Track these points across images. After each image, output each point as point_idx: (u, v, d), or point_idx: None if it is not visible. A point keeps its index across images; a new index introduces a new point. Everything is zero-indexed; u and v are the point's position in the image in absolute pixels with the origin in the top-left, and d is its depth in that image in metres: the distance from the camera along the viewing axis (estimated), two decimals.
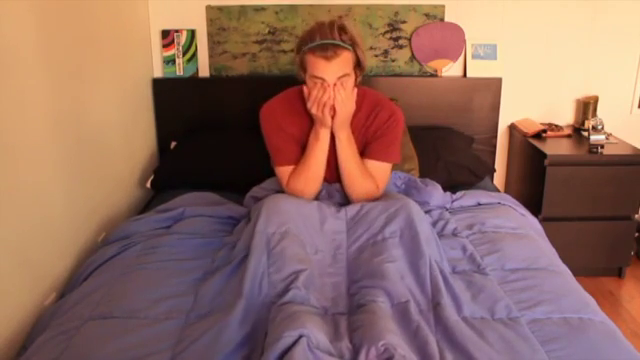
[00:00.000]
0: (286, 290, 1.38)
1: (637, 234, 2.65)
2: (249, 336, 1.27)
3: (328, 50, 1.65)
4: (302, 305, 1.33)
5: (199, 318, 1.36)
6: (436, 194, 1.97)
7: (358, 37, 1.74)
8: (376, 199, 1.82)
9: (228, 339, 1.23)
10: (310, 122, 1.83)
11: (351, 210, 1.73)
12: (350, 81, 1.73)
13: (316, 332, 1.18)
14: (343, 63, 1.68)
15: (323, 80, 1.69)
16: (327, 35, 1.67)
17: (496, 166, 2.78)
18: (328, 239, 1.65)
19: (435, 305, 1.38)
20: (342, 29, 1.69)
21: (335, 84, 1.69)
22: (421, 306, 1.39)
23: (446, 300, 1.39)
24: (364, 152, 1.89)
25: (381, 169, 1.88)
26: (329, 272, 1.53)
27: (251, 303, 1.36)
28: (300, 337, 1.14)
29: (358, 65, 1.75)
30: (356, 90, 1.77)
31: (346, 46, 1.68)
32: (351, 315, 1.35)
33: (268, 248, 1.52)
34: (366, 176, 1.84)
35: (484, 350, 1.22)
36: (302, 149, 1.89)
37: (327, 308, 1.39)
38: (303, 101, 1.79)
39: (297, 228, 1.61)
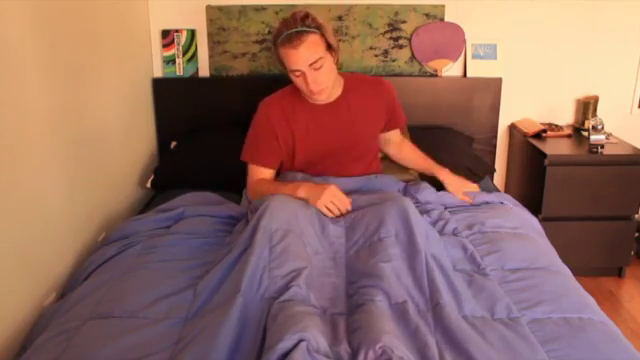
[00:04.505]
0: (287, 287, 1.37)
1: (637, 234, 2.65)
2: (247, 331, 1.27)
3: (293, 40, 1.73)
4: (303, 304, 1.33)
5: (198, 316, 1.36)
6: (429, 197, 1.98)
7: (324, 21, 1.81)
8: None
9: (227, 336, 1.23)
10: (305, 125, 1.89)
11: (348, 217, 1.75)
12: (326, 63, 1.79)
13: (317, 335, 1.18)
14: (311, 47, 1.75)
15: (299, 71, 1.76)
16: (291, 27, 1.75)
17: (496, 166, 2.78)
18: (328, 242, 1.66)
19: (434, 305, 1.37)
20: (305, 17, 1.77)
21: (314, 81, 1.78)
22: (420, 306, 1.38)
23: (445, 299, 1.38)
24: (387, 126, 2.08)
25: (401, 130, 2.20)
26: (328, 273, 1.53)
27: (250, 298, 1.35)
28: (300, 341, 1.14)
29: (330, 48, 1.81)
30: (340, 77, 1.92)
31: (310, 30, 1.74)
32: (350, 316, 1.35)
33: (270, 244, 1.52)
34: (418, 154, 2.17)
35: (484, 350, 1.22)
36: (286, 151, 1.95)
37: (326, 308, 1.39)
38: (301, 99, 1.85)
39: (299, 228, 1.62)
